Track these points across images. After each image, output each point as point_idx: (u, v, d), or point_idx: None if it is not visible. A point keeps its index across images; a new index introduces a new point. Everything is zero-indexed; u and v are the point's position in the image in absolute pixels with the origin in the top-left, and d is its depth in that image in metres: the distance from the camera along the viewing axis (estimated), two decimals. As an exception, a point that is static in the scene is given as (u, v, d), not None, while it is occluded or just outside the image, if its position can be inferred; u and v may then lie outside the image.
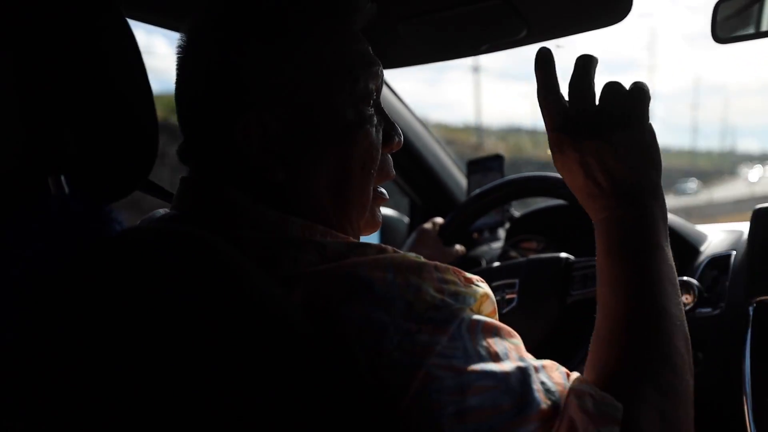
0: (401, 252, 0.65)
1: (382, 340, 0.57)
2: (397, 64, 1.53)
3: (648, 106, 0.74)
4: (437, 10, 1.19)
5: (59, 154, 0.57)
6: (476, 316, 0.61)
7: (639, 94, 0.73)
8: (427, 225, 1.45)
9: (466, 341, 0.58)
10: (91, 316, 0.53)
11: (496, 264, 1.38)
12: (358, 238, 0.74)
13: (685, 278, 1.18)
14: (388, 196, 0.77)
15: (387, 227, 1.98)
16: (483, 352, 0.58)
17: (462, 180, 1.95)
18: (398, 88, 1.82)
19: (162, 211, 0.76)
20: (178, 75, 0.72)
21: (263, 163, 0.68)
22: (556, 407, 0.58)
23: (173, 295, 0.53)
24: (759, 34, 1.06)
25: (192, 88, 0.70)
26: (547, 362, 0.63)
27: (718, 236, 1.32)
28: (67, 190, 0.58)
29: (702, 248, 1.30)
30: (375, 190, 0.74)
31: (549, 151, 0.76)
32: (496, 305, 0.67)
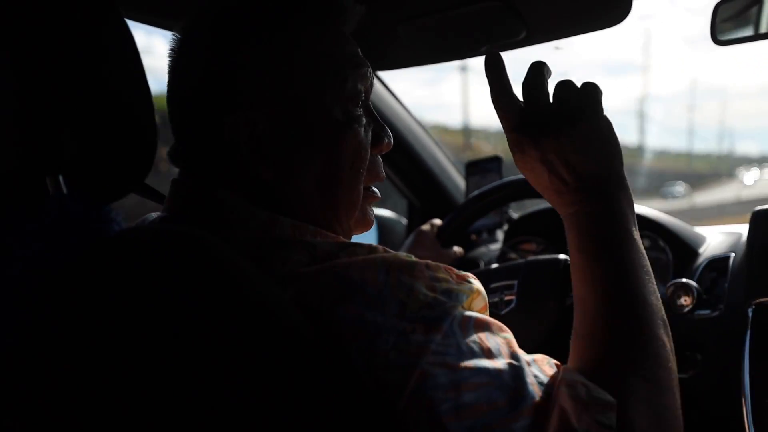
0: (392, 252, 0.65)
1: (378, 341, 0.57)
2: (396, 65, 1.53)
3: (600, 99, 0.74)
4: (436, 12, 1.19)
5: (57, 154, 0.57)
6: (467, 313, 0.61)
7: (591, 88, 0.74)
8: (425, 227, 1.45)
9: (458, 338, 0.58)
10: (92, 317, 0.53)
11: (495, 265, 1.38)
12: (350, 238, 0.75)
13: (684, 280, 1.18)
14: (380, 195, 0.78)
15: (385, 229, 1.98)
16: (476, 348, 0.59)
17: (460, 182, 1.95)
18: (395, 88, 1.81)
19: (154, 215, 0.76)
20: (169, 76, 0.72)
21: (252, 162, 0.68)
22: (550, 399, 0.58)
23: (173, 296, 0.53)
24: (758, 36, 1.06)
25: (182, 89, 0.71)
26: (538, 356, 0.63)
27: (717, 238, 1.32)
28: (65, 190, 0.57)
29: (701, 250, 1.30)
30: (366, 189, 0.75)
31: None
32: (487, 301, 0.67)
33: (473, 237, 1.82)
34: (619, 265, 0.68)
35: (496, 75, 0.75)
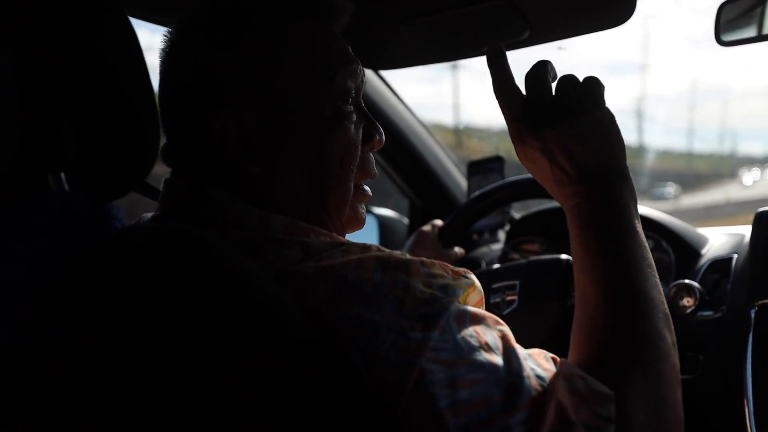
0: (386, 250, 0.65)
1: (376, 341, 0.57)
2: (398, 65, 1.53)
3: (603, 93, 0.74)
4: (439, 11, 1.18)
5: (59, 151, 0.57)
6: (463, 307, 0.61)
7: (592, 82, 0.74)
8: (426, 227, 1.45)
9: (454, 333, 0.58)
10: (95, 316, 0.53)
11: (497, 266, 1.37)
12: (343, 236, 0.75)
13: (686, 281, 1.18)
14: (371, 193, 0.78)
15: (386, 228, 1.98)
16: (473, 342, 0.59)
17: (462, 182, 1.95)
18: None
19: (149, 215, 0.76)
20: (160, 75, 0.73)
21: (240, 158, 0.69)
22: (547, 393, 0.58)
23: (177, 295, 0.53)
24: (762, 37, 1.06)
25: (171, 87, 0.71)
26: (535, 350, 0.63)
27: (720, 239, 1.32)
28: (67, 188, 0.57)
29: (703, 251, 1.30)
30: (357, 186, 0.75)
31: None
32: (483, 296, 0.67)
33: (475, 237, 1.82)
34: (621, 257, 0.68)
35: (498, 65, 0.75)
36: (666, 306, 0.68)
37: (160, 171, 0.75)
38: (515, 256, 1.60)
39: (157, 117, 0.62)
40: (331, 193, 0.72)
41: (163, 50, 0.72)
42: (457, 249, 1.44)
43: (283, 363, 0.54)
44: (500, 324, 0.63)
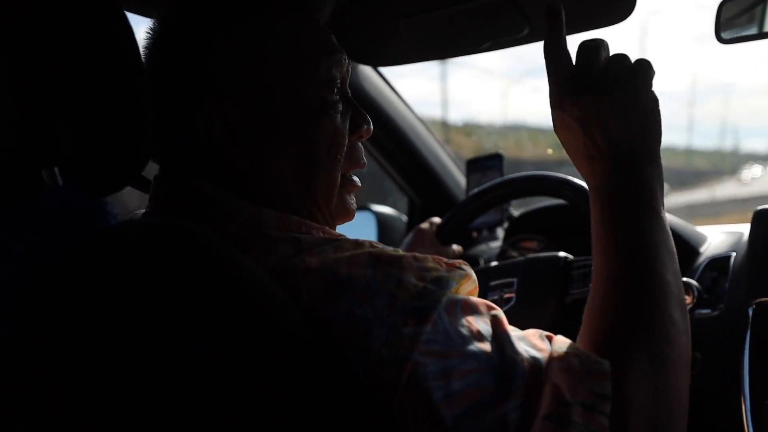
0: (379, 246, 0.65)
1: (369, 338, 0.57)
2: (398, 62, 1.53)
3: (652, 76, 0.74)
4: (439, 8, 1.18)
5: (53, 146, 0.56)
6: (454, 297, 0.61)
7: (644, 64, 0.74)
8: (424, 225, 1.45)
9: (446, 324, 0.58)
10: (89, 312, 0.52)
11: (494, 263, 1.37)
12: (333, 227, 0.75)
13: (684, 279, 1.17)
14: (360, 184, 0.77)
15: (385, 226, 1.98)
16: (464, 332, 0.58)
17: (461, 179, 1.94)
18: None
19: (142, 211, 0.76)
20: (145, 66, 0.72)
21: (227, 152, 0.69)
22: (542, 374, 0.58)
23: (172, 290, 0.53)
24: (762, 35, 1.05)
25: (156, 82, 0.71)
26: (529, 330, 0.63)
27: (718, 237, 1.32)
28: (61, 182, 0.57)
29: (702, 249, 1.30)
30: (346, 177, 0.75)
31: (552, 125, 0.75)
32: (477, 285, 0.67)
33: (474, 234, 1.81)
34: (641, 240, 0.67)
35: (556, 26, 0.74)
36: (683, 295, 0.68)
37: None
38: (514, 253, 1.60)
39: (152, 111, 0.61)
40: (318, 182, 0.71)
41: (146, 46, 0.72)
42: (455, 246, 1.44)
43: (278, 359, 0.54)
44: (493, 309, 0.63)
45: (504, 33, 1.26)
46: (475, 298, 0.63)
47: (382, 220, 1.98)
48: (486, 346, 0.58)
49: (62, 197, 0.56)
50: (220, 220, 0.67)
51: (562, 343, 0.61)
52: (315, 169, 0.71)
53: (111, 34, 0.59)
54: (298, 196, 0.71)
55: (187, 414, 0.51)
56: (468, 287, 0.65)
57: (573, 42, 0.76)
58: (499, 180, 1.41)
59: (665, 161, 0.74)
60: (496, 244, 1.75)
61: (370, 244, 0.65)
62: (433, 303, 0.59)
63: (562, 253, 1.21)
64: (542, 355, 0.59)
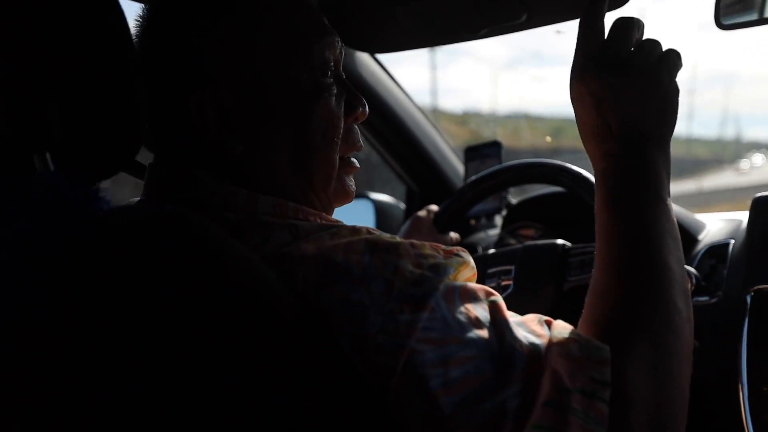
0: (376, 232, 0.64)
1: (365, 324, 0.57)
2: (394, 48, 1.51)
3: (679, 67, 0.74)
4: (436, -7, 1.17)
5: (44, 131, 0.56)
6: (452, 283, 0.60)
7: (674, 54, 0.73)
8: (422, 212, 1.44)
9: (444, 311, 0.58)
10: (80, 299, 0.52)
11: (492, 251, 1.37)
12: (331, 211, 0.75)
13: (683, 266, 1.17)
14: (358, 165, 0.77)
15: (383, 213, 1.97)
16: (463, 319, 0.58)
17: (459, 167, 1.94)
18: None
19: (136, 199, 0.75)
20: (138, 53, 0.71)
21: (220, 138, 0.68)
22: (541, 361, 0.57)
23: (164, 278, 0.52)
24: (763, 21, 1.04)
25: (147, 69, 0.70)
26: (529, 316, 0.63)
27: (717, 225, 1.31)
28: (52, 168, 0.57)
29: (700, 237, 1.30)
30: (344, 158, 0.75)
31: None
32: (475, 272, 0.67)
33: (472, 222, 1.81)
34: (645, 226, 0.67)
35: (597, 1, 0.74)
36: (687, 283, 0.67)
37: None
38: (512, 241, 1.60)
39: (143, 95, 0.61)
40: (315, 166, 0.71)
41: (137, 34, 0.71)
42: (452, 234, 1.44)
43: (272, 345, 0.54)
44: (492, 294, 0.62)
45: (502, 19, 1.25)
46: (473, 284, 0.62)
47: (380, 208, 1.97)
48: (484, 333, 0.58)
49: (53, 183, 0.56)
50: (216, 207, 0.66)
51: (561, 328, 0.61)
52: (311, 153, 0.70)
53: (102, 18, 0.58)
54: (294, 181, 0.71)
55: (182, 402, 0.50)
56: (467, 274, 0.65)
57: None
58: (497, 167, 1.40)
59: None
60: (494, 232, 1.75)
61: (367, 230, 0.65)
62: (430, 290, 0.58)
63: (560, 241, 1.21)
64: (541, 341, 0.59)
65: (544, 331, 0.61)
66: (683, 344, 0.63)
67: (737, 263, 1.15)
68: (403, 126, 1.82)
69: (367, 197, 1.97)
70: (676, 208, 1.35)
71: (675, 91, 0.73)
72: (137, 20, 0.72)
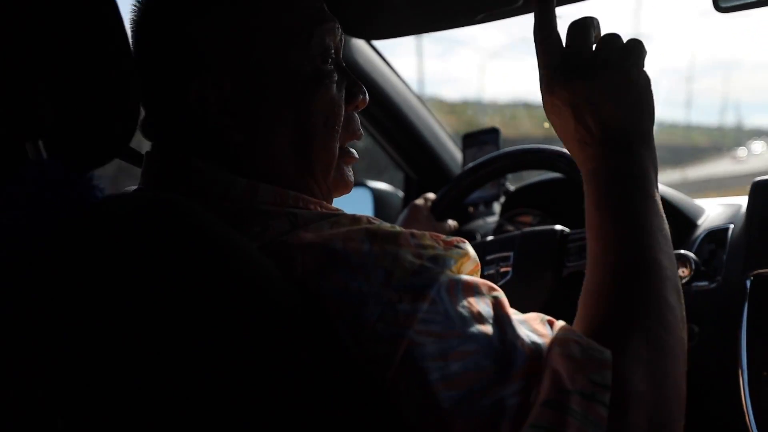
0: (376, 222, 0.64)
1: (363, 313, 0.56)
2: (391, 34, 1.51)
3: (644, 56, 0.73)
4: (432, -22, 1.16)
5: (37, 118, 0.55)
6: (455, 276, 0.60)
7: (636, 44, 0.73)
8: (419, 201, 1.44)
9: (446, 304, 0.57)
10: (74, 288, 0.51)
11: (490, 238, 1.37)
12: (330, 200, 0.74)
13: (681, 251, 1.17)
14: (357, 156, 0.76)
15: (381, 201, 1.97)
16: (465, 313, 0.58)
17: (458, 154, 1.93)
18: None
19: (133, 188, 0.75)
20: (133, 47, 0.70)
21: (221, 126, 0.67)
22: (542, 360, 0.57)
23: (158, 266, 0.52)
24: (761, 2, 1.04)
25: (145, 57, 0.69)
26: (531, 314, 0.62)
27: (716, 210, 1.31)
28: (45, 155, 0.56)
29: (699, 221, 1.29)
30: (343, 148, 0.74)
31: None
32: (479, 263, 0.66)
33: (470, 209, 1.81)
34: (635, 224, 0.67)
35: (544, 9, 0.73)
36: (679, 279, 0.67)
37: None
38: (510, 227, 1.59)
39: (137, 82, 0.60)
40: (315, 154, 0.70)
41: (134, 20, 0.70)
42: (450, 222, 1.43)
43: (269, 334, 0.53)
44: (494, 290, 0.62)
45: (498, 4, 1.25)
46: (477, 279, 0.62)
47: (378, 196, 1.97)
48: (486, 328, 0.57)
49: (46, 171, 0.55)
50: (215, 196, 0.66)
51: (563, 329, 0.60)
52: (312, 140, 0.70)
53: (92, 2, 0.57)
54: (295, 169, 0.70)
55: (179, 391, 0.50)
56: (469, 266, 0.64)
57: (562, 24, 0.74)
58: (494, 154, 1.40)
59: (664, 138, 0.73)
60: (492, 219, 1.75)
61: (368, 219, 0.64)
62: (429, 281, 0.58)
63: (558, 227, 1.21)
64: (543, 341, 0.59)
65: (545, 330, 0.60)
66: (677, 341, 0.63)
67: (737, 248, 1.15)
68: (401, 113, 1.82)
69: (366, 185, 1.97)
70: (674, 193, 1.35)
71: (646, 81, 0.72)
72: (134, 7, 0.71)
